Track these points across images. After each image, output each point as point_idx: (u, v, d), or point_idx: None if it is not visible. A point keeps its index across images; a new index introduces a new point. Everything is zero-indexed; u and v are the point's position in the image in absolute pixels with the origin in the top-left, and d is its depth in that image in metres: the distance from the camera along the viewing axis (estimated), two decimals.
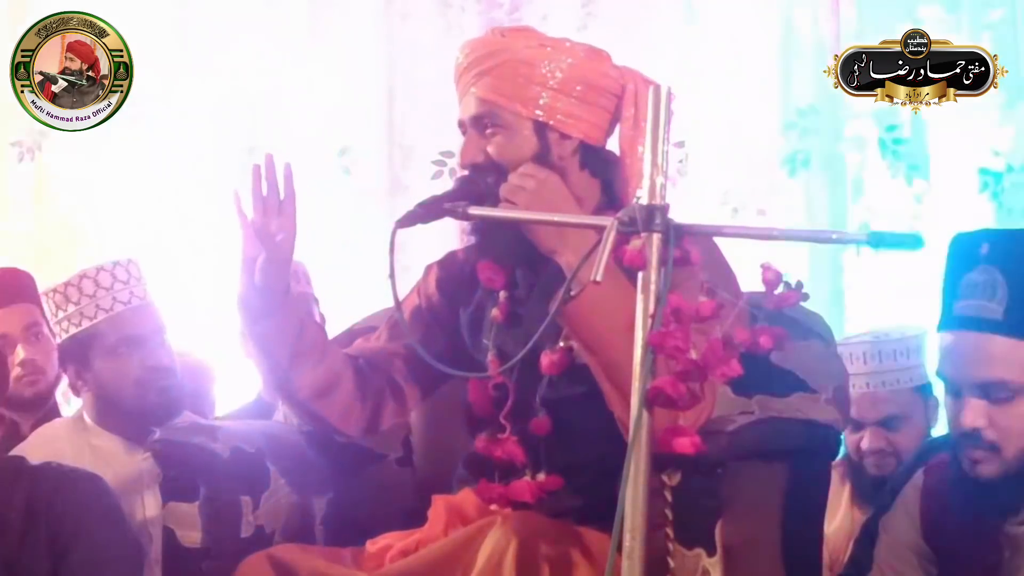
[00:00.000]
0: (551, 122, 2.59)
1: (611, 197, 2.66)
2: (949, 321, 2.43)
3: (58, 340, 3.30)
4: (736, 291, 2.39)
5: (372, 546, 2.60)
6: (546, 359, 2.57)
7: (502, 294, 2.70)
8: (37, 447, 3.20)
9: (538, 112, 2.58)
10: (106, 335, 3.20)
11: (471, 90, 2.62)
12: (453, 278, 2.79)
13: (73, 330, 3.22)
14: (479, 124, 2.62)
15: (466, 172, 2.64)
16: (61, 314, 3.23)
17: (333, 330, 3.37)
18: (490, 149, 2.60)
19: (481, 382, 2.66)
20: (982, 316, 2.37)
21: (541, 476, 2.59)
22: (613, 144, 2.68)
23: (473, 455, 2.69)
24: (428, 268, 2.87)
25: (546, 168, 2.57)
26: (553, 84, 2.59)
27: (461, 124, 2.67)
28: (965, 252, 2.42)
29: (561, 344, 2.57)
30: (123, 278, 3.23)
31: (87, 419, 3.31)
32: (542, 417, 2.60)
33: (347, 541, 2.81)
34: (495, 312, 2.69)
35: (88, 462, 3.13)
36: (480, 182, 2.60)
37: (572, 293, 2.28)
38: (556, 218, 2.54)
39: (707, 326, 2.14)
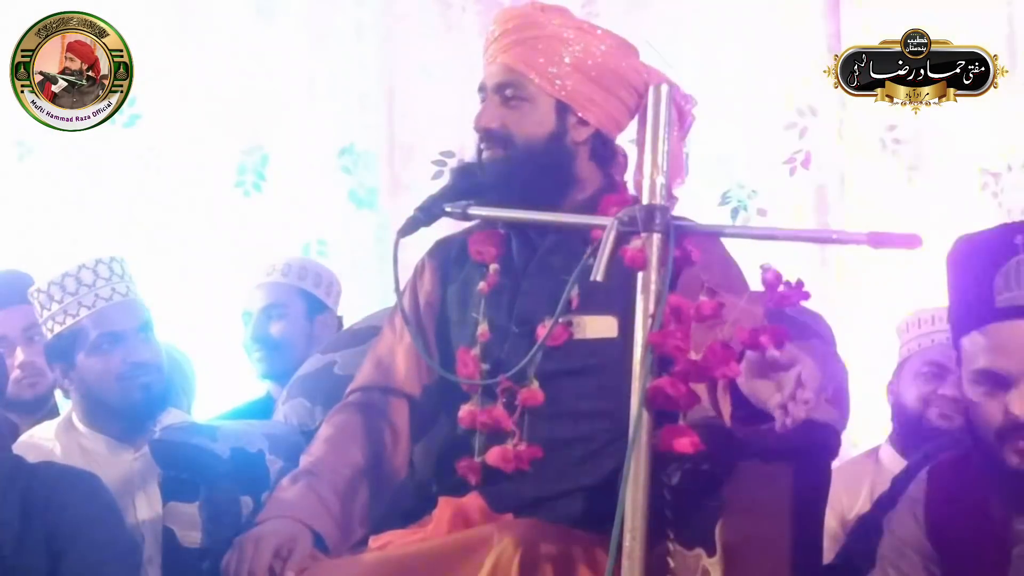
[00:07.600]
0: (573, 104, 2.61)
1: (612, 183, 2.67)
2: (991, 314, 2.39)
3: (45, 340, 3.28)
4: (741, 289, 2.39)
5: (374, 543, 2.60)
6: (544, 331, 2.51)
7: (492, 266, 2.68)
8: (28, 449, 3.18)
9: (563, 92, 2.61)
10: (89, 332, 3.19)
11: (499, 58, 2.63)
12: (443, 264, 2.77)
13: (58, 328, 3.20)
14: (501, 91, 2.62)
15: (478, 135, 2.63)
16: (46, 313, 3.21)
17: None
18: (508, 119, 2.61)
19: (470, 354, 2.64)
20: None
21: (523, 446, 2.57)
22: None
23: (449, 448, 2.68)
24: (420, 265, 2.83)
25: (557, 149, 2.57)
26: (582, 67, 2.61)
27: (482, 89, 2.66)
28: (989, 249, 2.39)
29: (560, 320, 2.52)
30: (105, 275, 3.21)
31: (75, 420, 3.29)
32: (535, 388, 2.58)
33: None
34: (482, 285, 2.67)
35: (78, 463, 3.11)
36: (476, 172, 2.60)
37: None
38: (556, 218, 2.54)
39: (711, 325, 2.14)
